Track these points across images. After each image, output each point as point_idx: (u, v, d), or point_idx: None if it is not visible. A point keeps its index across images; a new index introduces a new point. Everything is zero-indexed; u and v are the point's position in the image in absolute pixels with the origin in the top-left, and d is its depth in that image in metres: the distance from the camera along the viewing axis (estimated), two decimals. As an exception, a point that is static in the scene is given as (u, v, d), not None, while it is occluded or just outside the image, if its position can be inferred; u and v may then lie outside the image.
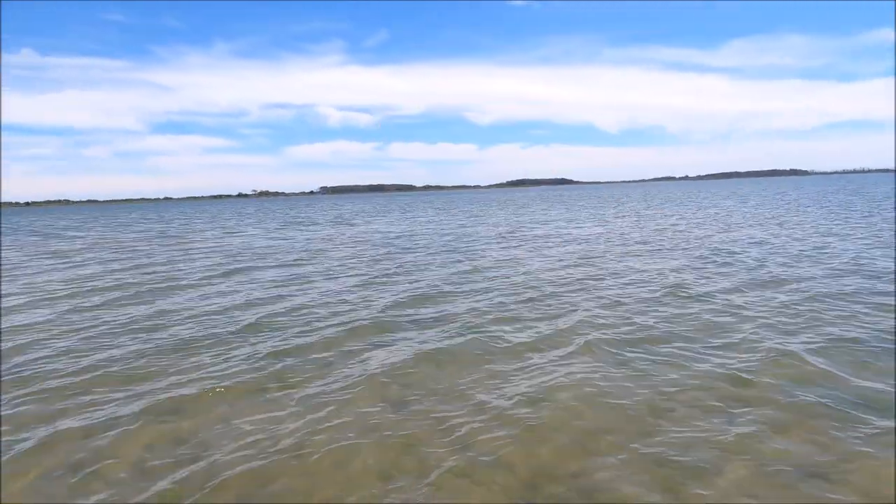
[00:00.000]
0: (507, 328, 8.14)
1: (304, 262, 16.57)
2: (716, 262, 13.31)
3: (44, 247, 26.31)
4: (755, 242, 16.58)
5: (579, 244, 18.41)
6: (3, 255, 22.76)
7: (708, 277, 11.37)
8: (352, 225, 34.36)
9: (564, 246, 18.01)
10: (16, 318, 10.10)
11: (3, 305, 11.35)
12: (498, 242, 20.03)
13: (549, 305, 9.50)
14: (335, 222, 38.16)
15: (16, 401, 5.98)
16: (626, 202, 52.82)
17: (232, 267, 15.93)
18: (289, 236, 27.03)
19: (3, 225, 57.41)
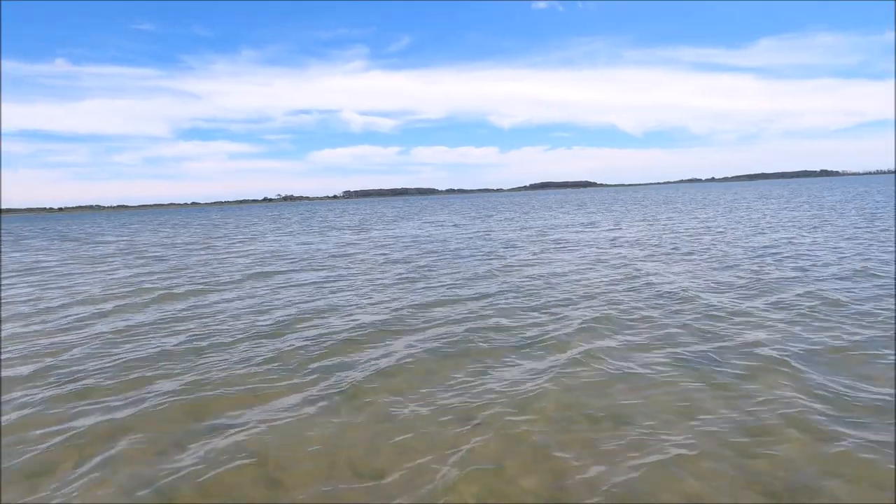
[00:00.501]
0: (557, 335, 7.99)
1: (334, 266, 16.80)
2: (755, 267, 13.16)
3: (78, 251, 27.12)
4: (793, 247, 16.32)
5: (610, 247, 18.30)
6: (38, 258, 23.56)
7: (748, 285, 11.25)
8: (377, 229, 34.64)
9: (593, 248, 17.92)
10: (62, 322, 10.50)
11: (44, 307, 11.76)
12: (525, 246, 20.02)
13: (589, 311, 9.50)
14: (359, 227, 38.51)
15: (69, 403, 6.26)
16: (652, 204, 52.25)
17: (262, 270, 16.24)
18: (314, 240, 27.38)
19: (37, 229, 59.18)
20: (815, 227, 21.14)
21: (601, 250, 17.45)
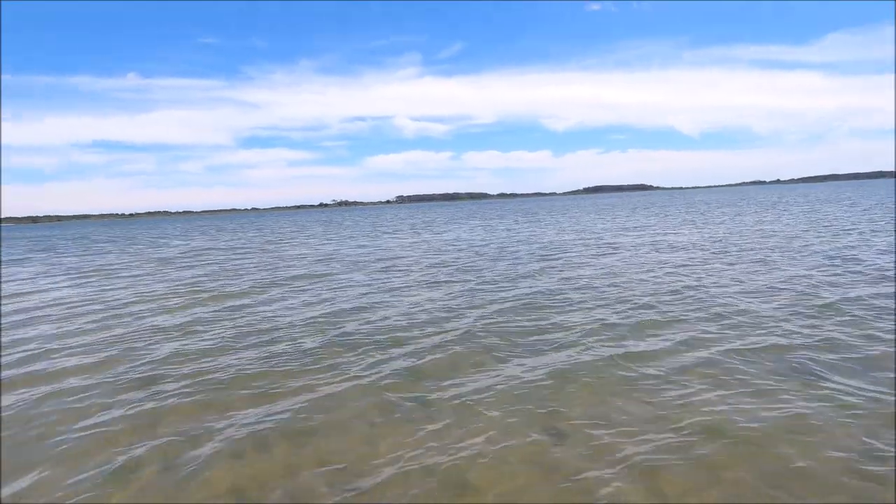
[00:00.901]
0: (631, 343, 7.77)
1: (388, 268, 16.91)
2: (837, 271, 12.37)
3: (144, 253, 28.47)
4: (880, 251, 15.27)
5: (674, 251, 17.66)
6: (109, 259, 24.86)
7: (834, 285, 10.57)
8: (429, 233, 34.77)
9: (657, 254, 17.32)
10: (128, 319, 10.97)
11: (113, 305, 12.32)
12: (584, 250, 19.58)
13: (665, 317, 9.14)
14: (412, 231, 38.78)
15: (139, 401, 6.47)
16: (714, 207, 50.25)
17: (317, 272, 16.53)
18: (368, 244, 27.72)
19: (109, 235, 62.61)
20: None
21: (660, 253, 16.84)
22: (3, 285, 17.89)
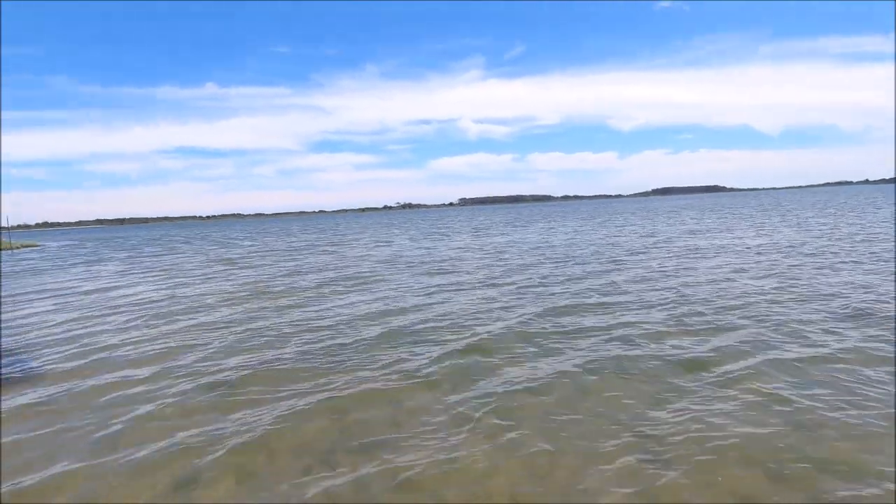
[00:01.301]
0: (700, 349, 7.30)
1: (454, 270, 16.70)
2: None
3: (219, 253, 29.66)
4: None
5: (747, 255, 16.52)
6: (185, 258, 26.05)
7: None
8: (492, 235, 34.40)
9: (726, 256, 16.26)
10: (199, 315, 11.27)
11: (192, 305, 12.71)
12: (650, 252, 18.68)
13: (729, 322, 8.46)
14: (475, 233, 38.52)
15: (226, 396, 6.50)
16: (792, 209, 47.09)
17: (387, 273, 16.54)
18: (432, 245, 27.68)
19: (187, 235, 65.99)
20: None
21: (740, 257, 15.75)
22: (91, 282, 19.00)
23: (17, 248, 46.43)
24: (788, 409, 5.20)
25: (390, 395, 6.10)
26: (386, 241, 33.57)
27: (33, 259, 34.44)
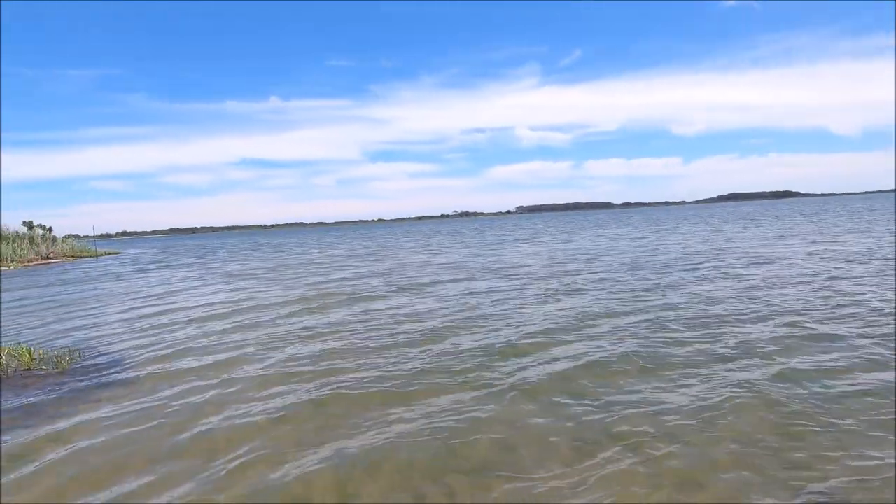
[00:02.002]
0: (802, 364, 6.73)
1: (508, 276, 16.39)
2: None
3: (284, 259, 30.47)
4: None
5: (816, 262, 15.37)
6: (255, 266, 26.89)
7: None
8: (550, 242, 33.75)
9: (794, 264, 15.16)
10: (270, 318, 11.45)
11: (262, 309, 12.96)
12: (712, 258, 17.67)
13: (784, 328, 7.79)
14: (532, 240, 37.93)
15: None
16: (879, 213, 43.82)
17: (448, 279, 16.41)
18: (488, 252, 27.40)
19: (254, 243, 68.42)
20: None
21: (801, 266, 14.65)
22: (166, 286, 19.86)
23: (102, 255, 49.44)
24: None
25: (494, 412, 5.66)
26: (446, 249, 33.55)
27: (115, 265, 36.51)
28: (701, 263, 16.96)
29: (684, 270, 15.55)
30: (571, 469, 4.40)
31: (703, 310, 9.92)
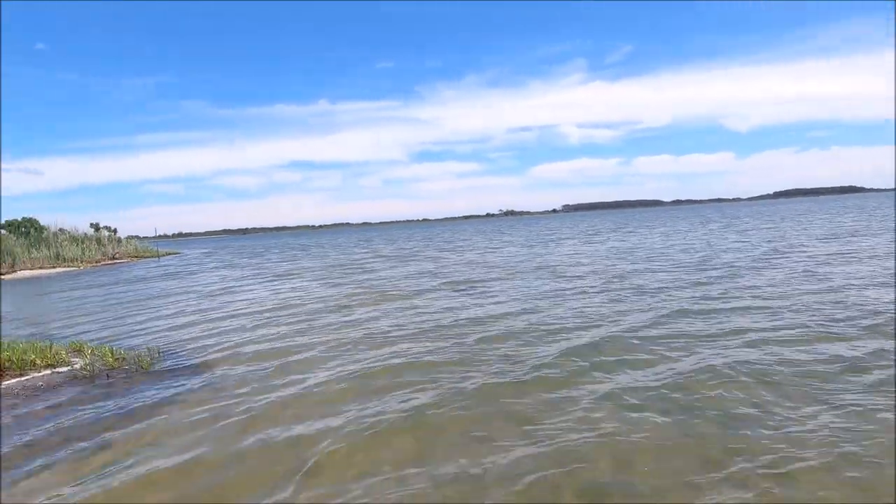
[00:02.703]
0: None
1: (560, 276, 16.05)
2: None
3: (335, 258, 30.91)
4: None
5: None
6: (304, 264, 27.36)
7: None
8: (598, 241, 33.01)
9: (869, 265, 14.22)
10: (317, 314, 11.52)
11: (314, 305, 13.11)
12: (776, 259, 16.82)
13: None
14: (580, 239, 37.22)
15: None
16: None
17: (510, 276, 16.22)
18: (543, 251, 26.98)
19: (301, 243, 69.78)
20: None
21: (873, 264, 13.74)
22: (224, 283, 20.42)
23: (163, 255, 51.50)
24: None
25: (600, 424, 5.37)
26: (498, 246, 33.30)
27: (177, 265, 37.90)
28: (774, 261, 16.21)
29: (753, 269, 14.89)
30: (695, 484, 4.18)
31: (791, 312, 9.44)
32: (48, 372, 8.36)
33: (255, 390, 7.09)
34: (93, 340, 10.73)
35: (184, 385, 7.50)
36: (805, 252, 19.10)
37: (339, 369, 7.86)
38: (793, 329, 8.45)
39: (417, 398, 6.38)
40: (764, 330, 8.52)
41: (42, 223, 43.13)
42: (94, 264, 41.54)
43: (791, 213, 59.34)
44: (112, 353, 9.00)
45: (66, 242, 42.42)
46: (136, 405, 6.70)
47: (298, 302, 14.88)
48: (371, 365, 7.97)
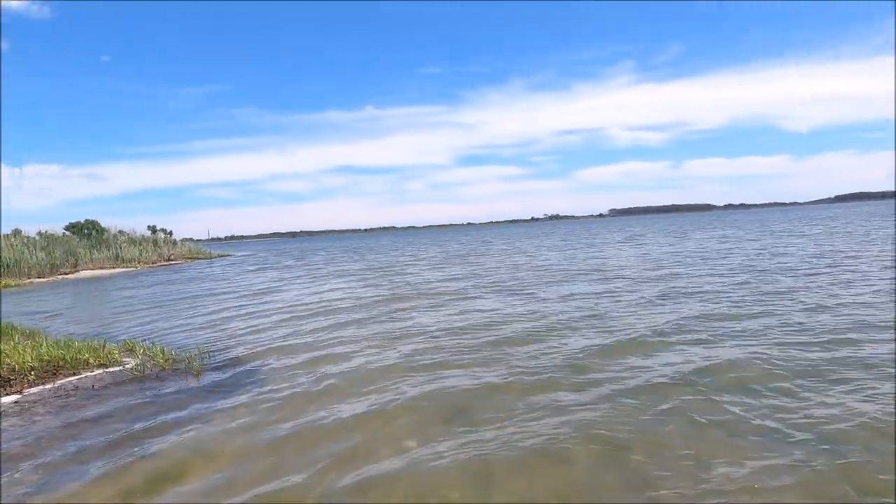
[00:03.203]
0: None
1: (613, 278, 15.22)
2: None
3: (380, 260, 30.82)
4: None
5: None
6: (352, 267, 27.31)
7: None
8: (648, 245, 31.70)
9: None
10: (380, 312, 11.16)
11: (362, 304, 12.79)
12: (860, 268, 15.45)
13: None
14: (628, 242, 35.92)
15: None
16: None
17: (560, 279, 15.55)
18: (602, 253, 26.08)
19: (350, 245, 70.45)
20: None
21: None
22: (276, 285, 20.47)
23: (216, 257, 52.85)
24: None
25: (675, 438, 4.89)
26: (546, 250, 32.50)
27: (229, 266, 38.68)
28: (835, 266, 14.95)
29: (812, 275, 13.73)
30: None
31: (849, 316, 8.48)
32: (101, 371, 8.26)
33: (316, 402, 6.71)
34: (144, 339, 10.68)
35: (235, 392, 7.21)
36: (862, 257, 17.61)
37: (414, 379, 7.43)
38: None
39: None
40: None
41: (103, 225, 44.85)
42: (151, 265, 42.89)
43: (856, 218, 55.84)
44: (163, 354, 8.86)
45: (124, 244, 43.98)
46: (186, 412, 6.43)
47: (350, 303, 14.63)
48: (422, 361, 7.52)
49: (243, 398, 6.79)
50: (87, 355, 8.69)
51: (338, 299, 15.67)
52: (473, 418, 5.64)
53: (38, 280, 32.85)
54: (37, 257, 35.60)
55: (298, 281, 23.25)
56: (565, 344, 8.61)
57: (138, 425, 5.97)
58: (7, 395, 7.22)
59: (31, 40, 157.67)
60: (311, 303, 15.41)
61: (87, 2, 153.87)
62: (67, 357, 8.52)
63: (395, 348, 9.01)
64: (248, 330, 11.63)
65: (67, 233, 42.68)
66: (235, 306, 15.77)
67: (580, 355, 7.82)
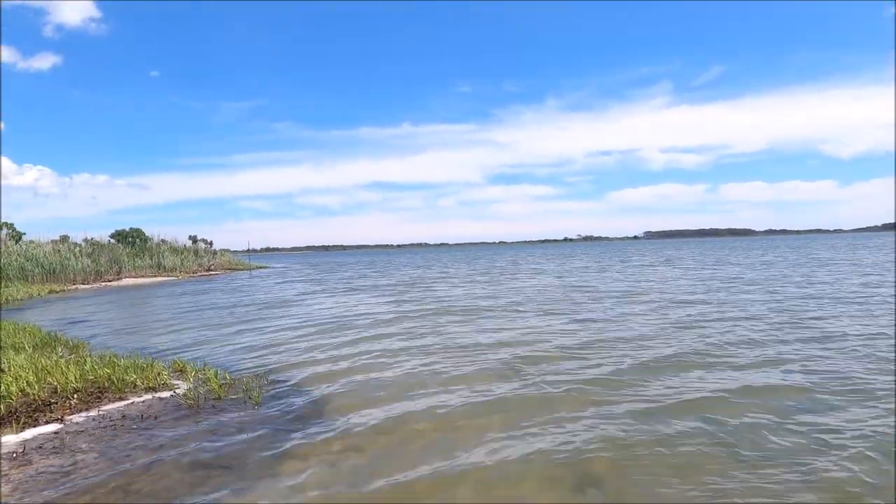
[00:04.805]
0: None
1: (652, 300, 13.81)
2: None
3: (413, 275, 29.82)
4: None
5: None
6: (383, 281, 26.38)
7: None
8: (682, 268, 29.89)
9: None
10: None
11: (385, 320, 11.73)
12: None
13: None
14: (664, 264, 34.12)
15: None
16: None
17: (600, 300, 14.25)
18: (639, 275, 24.56)
19: (390, 259, 69.87)
20: None
21: None
22: (299, 297, 19.64)
23: (254, 268, 52.83)
24: None
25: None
26: (581, 272, 31.04)
27: (268, 278, 38.28)
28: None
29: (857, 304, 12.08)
30: None
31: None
32: (149, 396, 7.36)
33: (379, 430, 5.66)
34: (191, 351, 9.84)
35: (305, 427, 6.19)
36: None
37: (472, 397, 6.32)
38: None
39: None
40: None
41: (147, 234, 45.18)
42: (192, 274, 42.89)
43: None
44: (216, 378, 7.93)
45: (166, 252, 44.17)
46: (255, 455, 5.42)
47: (397, 319, 13.63)
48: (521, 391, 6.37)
49: (319, 437, 5.77)
50: (134, 376, 7.84)
51: (391, 315, 14.70)
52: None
53: (82, 286, 32.92)
54: (82, 263, 35.79)
55: (346, 296, 22.42)
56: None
57: (198, 476, 4.97)
58: (47, 422, 6.35)
59: (87, 55, 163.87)
60: (365, 319, 14.46)
61: (142, 21, 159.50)
62: (114, 377, 7.67)
63: (489, 383, 7.85)
64: (305, 347, 10.72)
65: (112, 240, 43.06)
66: (284, 320, 14.94)
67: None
